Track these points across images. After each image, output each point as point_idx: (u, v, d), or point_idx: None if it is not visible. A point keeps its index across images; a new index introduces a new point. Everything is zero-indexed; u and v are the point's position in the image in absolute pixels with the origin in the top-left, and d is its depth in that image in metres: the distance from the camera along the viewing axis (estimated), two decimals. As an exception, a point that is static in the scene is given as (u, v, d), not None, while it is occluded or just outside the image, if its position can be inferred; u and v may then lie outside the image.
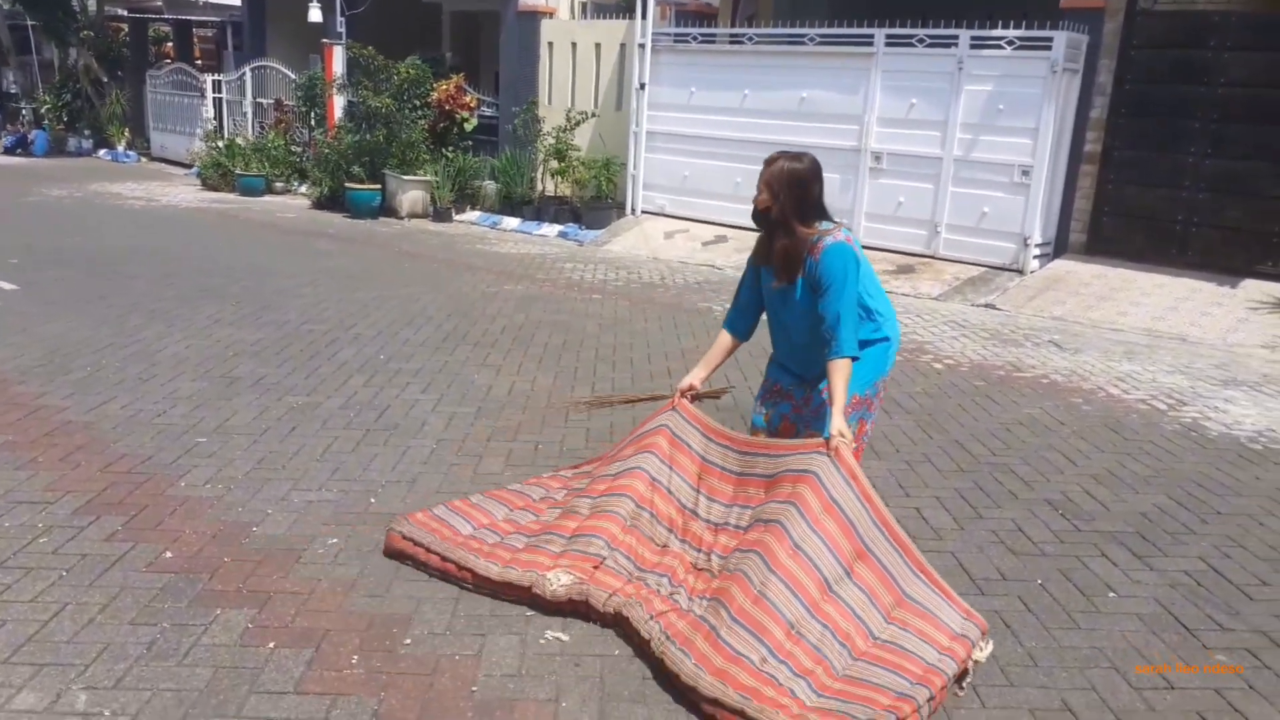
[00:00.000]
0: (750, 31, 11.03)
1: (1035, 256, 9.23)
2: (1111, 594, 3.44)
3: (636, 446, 3.60)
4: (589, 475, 3.73)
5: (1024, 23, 9.02)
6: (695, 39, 11.30)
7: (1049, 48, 8.79)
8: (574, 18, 13.28)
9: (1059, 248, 9.56)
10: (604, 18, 12.79)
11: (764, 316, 3.60)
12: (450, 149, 13.16)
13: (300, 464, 4.29)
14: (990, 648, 2.96)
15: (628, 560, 3.30)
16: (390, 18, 16.06)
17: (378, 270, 8.94)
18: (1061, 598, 3.40)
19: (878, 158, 10.02)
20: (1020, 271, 9.18)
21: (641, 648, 2.95)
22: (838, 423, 3.12)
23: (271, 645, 2.92)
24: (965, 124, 9.39)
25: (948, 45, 9.37)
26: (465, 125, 13.41)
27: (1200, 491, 4.44)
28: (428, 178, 12.70)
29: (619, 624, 3.07)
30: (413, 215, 12.62)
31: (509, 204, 12.71)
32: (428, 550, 3.40)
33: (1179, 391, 6.08)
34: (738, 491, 3.38)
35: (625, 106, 12.08)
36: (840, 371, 3.17)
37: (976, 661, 2.89)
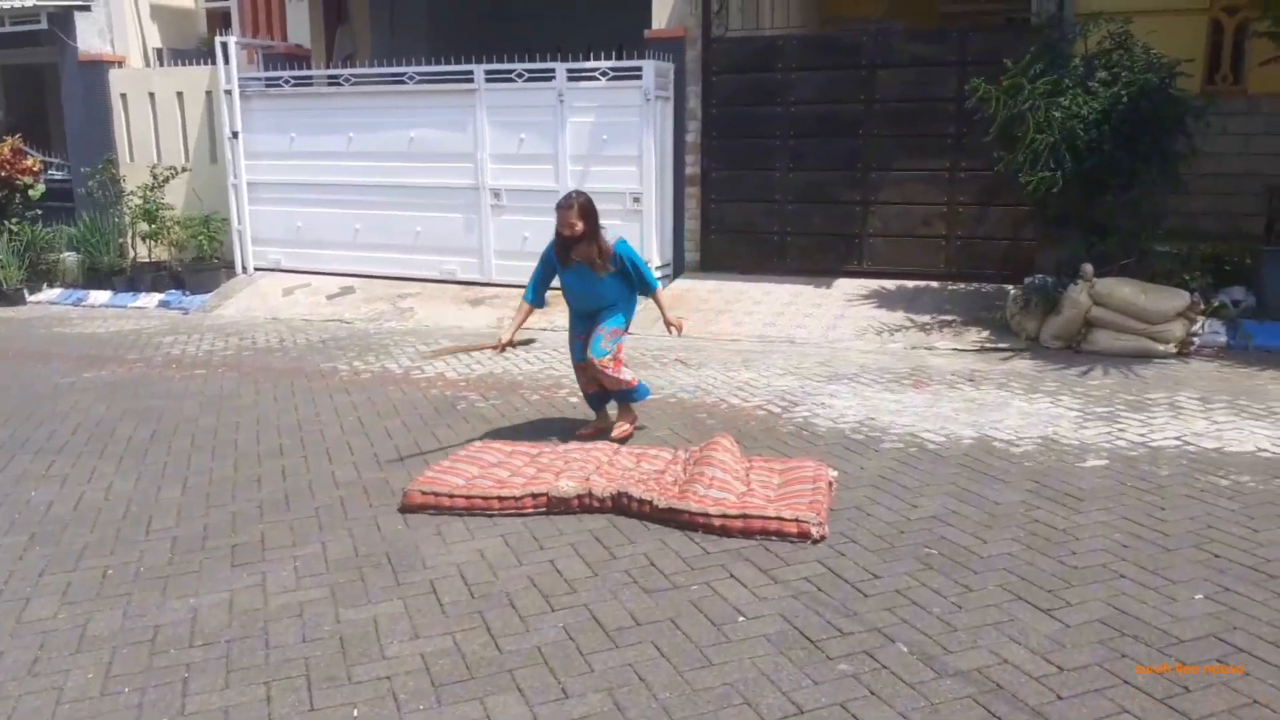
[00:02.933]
0: (347, 72, 10.54)
1: (658, 279, 9.52)
2: (741, 618, 3.39)
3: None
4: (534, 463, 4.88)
5: (618, 54, 9.31)
6: (288, 83, 10.60)
7: (639, 77, 9.13)
8: (149, 65, 12.00)
9: (677, 268, 9.96)
10: (182, 63, 11.66)
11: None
12: (14, 220, 11.37)
13: None
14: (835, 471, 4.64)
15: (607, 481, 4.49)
16: (-80, 74, 13.67)
17: (-86, 375, 7.40)
18: (694, 633, 3.30)
19: (497, 194, 9.91)
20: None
21: (641, 511, 4.23)
22: (672, 316, 5.50)
23: None
24: (574, 155, 9.52)
25: (547, 79, 9.47)
26: (31, 192, 11.66)
27: (815, 491, 4.61)
28: (-13, 256, 10.86)
29: (617, 507, 4.30)
30: (-28, 302, 10.73)
31: (96, 276, 11.22)
32: (450, 497, 4.38)
33: (791, 393, 6.42)
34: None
35: (220, 158, 11.09)
36: (659, 295, 5.47)
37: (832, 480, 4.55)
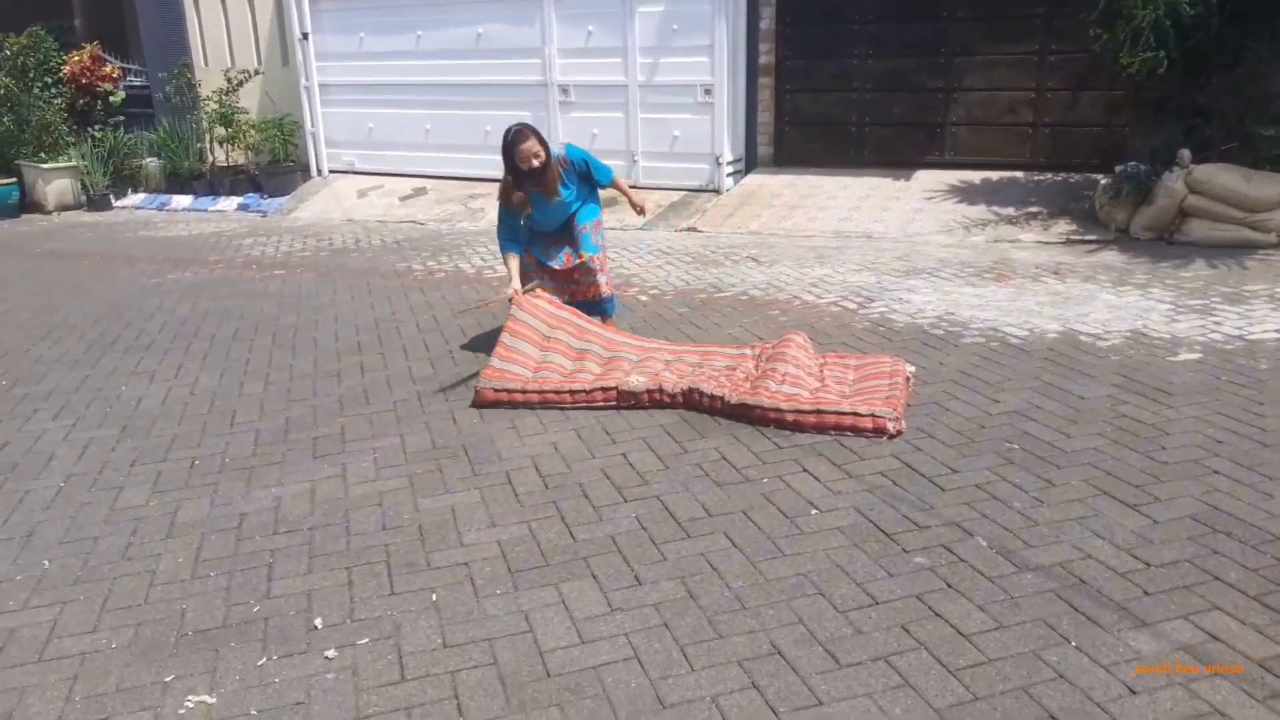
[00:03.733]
0: (413, -33, 10.31)
1: (729, 174, 9.31)
2: (814, 511, 3.36)
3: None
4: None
5: (685, -62, 8.93)
6: (355, -20, 10.44)
7: (712, -39, 8.76)
8: (218, -34, 11.94)
9: (749, 163, 9.70)
10: (251, -37, 11.57)
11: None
12: (97, 128, 11.58)
13: (-122, 539, 3.46)
14: (912, 367, 4.60)
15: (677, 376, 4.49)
16: (-2, -17, 13.82)
17: (10, 279, 7.67)
18: (766, 524, 3.28)
19: (565, 90, 9.72)
20: (717, 191, 9.24)
21: (712, 406, 4.20)
22: (636, 197, 5.51)
23: None
24: (644, 48, 9.25)
25: (615, -33, 9.15)
26: (112, 99, 11.84)
27: (891, 386, 4.51)
28: (74, 163, 11.13)
29: (688, 403, 4.29)
30: (63, 208, 11.04)
31: (178, 181, 11.42)
32: (523, 392, 4.43)
33: (867, 289, 6.26)
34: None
35: (292, 60, 11.05)
36: (618, 181, 5.41)
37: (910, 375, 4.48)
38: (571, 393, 4.40)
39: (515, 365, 4.62)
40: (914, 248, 7.32)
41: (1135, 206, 7.18)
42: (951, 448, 3.83)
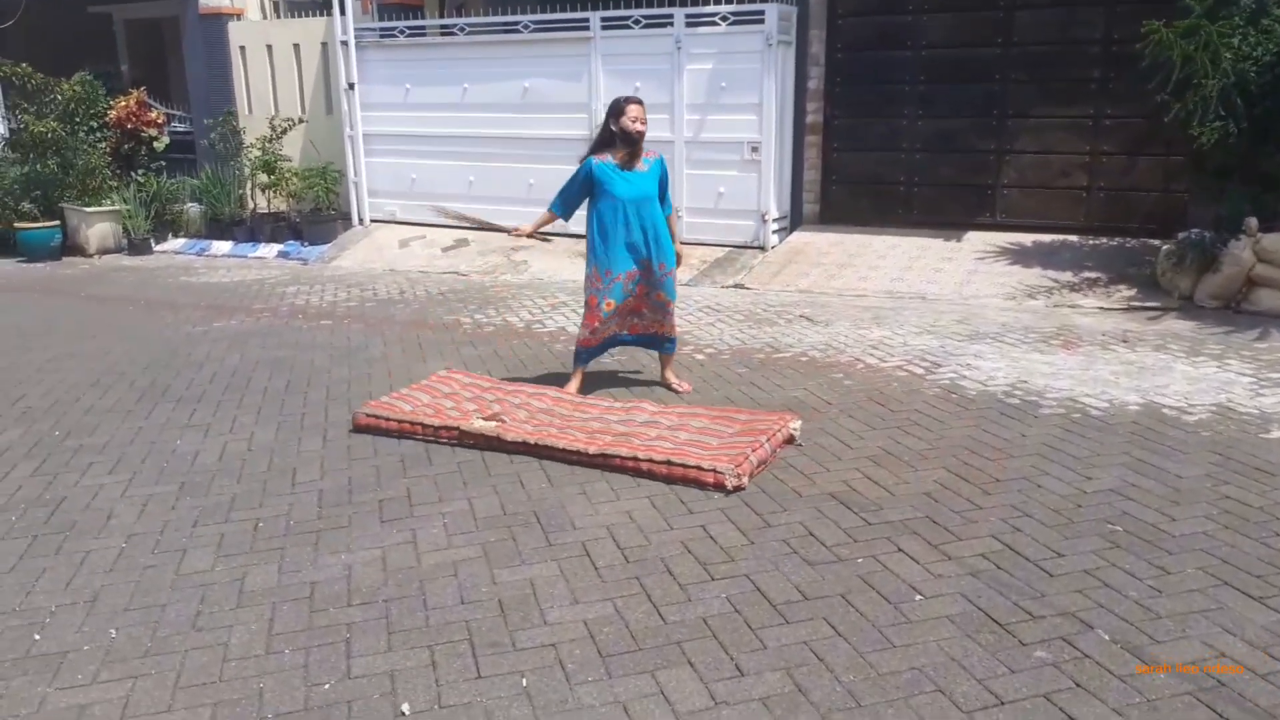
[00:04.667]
0: (461, 22, 10.39)
1: (775, 231, 9.24)
2: (919, 596, 3.19)
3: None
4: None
5: (735, -2, 8.98)
6: (403, 33, 10.52)
7: (761, 21, 8.76)
8: (265, 17, 12.09)
9: (795, 220, 9.63)
10: (299, 16, 11.71)
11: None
12: (141, 172, 11.64)
13: (-65, 600, 3.32)
14: (799, 421, 4.66)
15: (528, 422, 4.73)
16: (48, 31, 14.04)
17: (57, 322, 7.61)
18: (869, 611, 3.10)
19: (610, 144, 9.68)
20: (762, 248, 9.15)
21: (568, 458, 4.34)
22: (679, 245, 5.50)
23: None
24: (691, 104, 9.23)
25: (664, 25, 9.17)
26: (156, 144, 11.92)
27: (975, 459, 4.35)
28: (116, 207, 11.17)
29: (537, 453, 4.42)
30: (104, 251, 11.06)
31: (218, 227, 11.43)
32: (388, 420, 4.78)
33: (931, 352, 6.11)
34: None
35: (336, 109, 11.12)
36: (674, 220, 5.42)
37: (794, 433, 4.56)
38: (423, 425, 4.67)
39: (400, 402, 5.02)
40: (971, 311, 7.18)
41: (1199, 274, 7.04)
42: (1051, 528, 3.65)
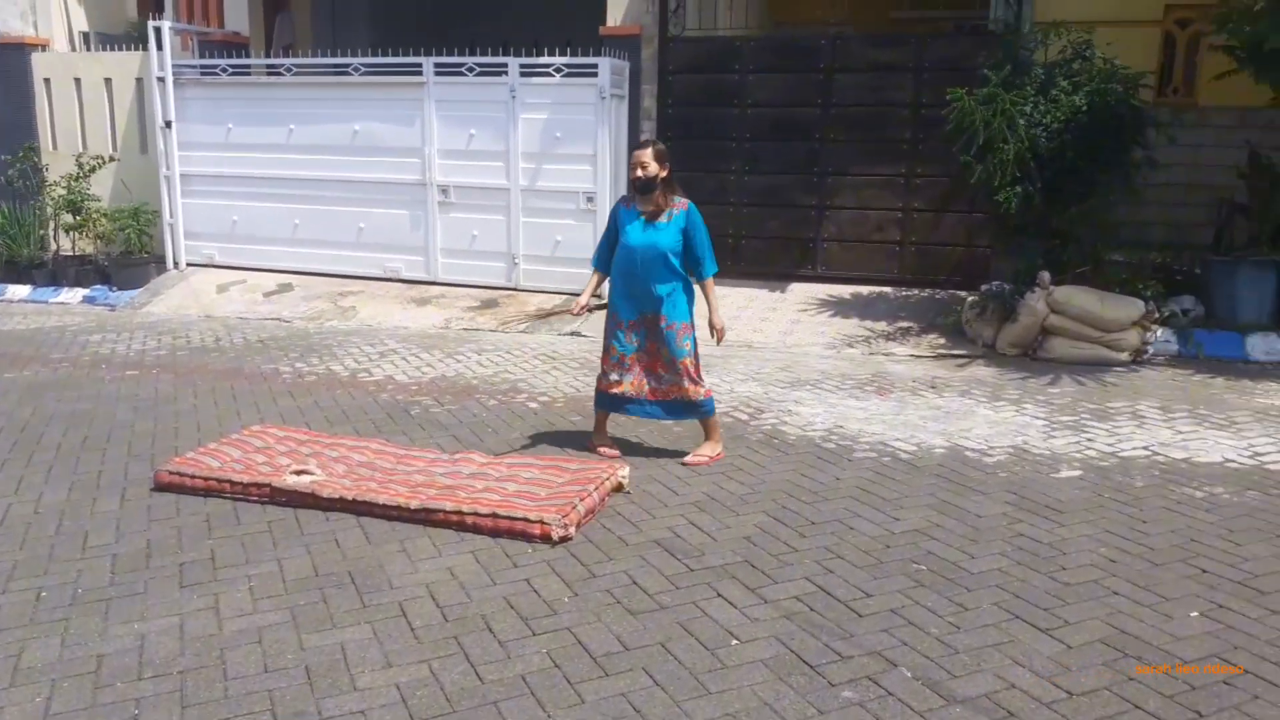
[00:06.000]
0: (288, 62, 10.12)
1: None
2: (734, 641, 3.23)
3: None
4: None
5: (570, 51, 9.11)
6: (225, 71, 10.14)
7: (594, 74, 8.92)
8: (74, 49, 11.42)
9: (630, 268, 9.75)
10: (110, 48, 11.12)
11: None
12: (-75, 212, 10.69)
13: None
14: (627, 468, 4.67)
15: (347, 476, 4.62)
16: None
17: None
18: (687, 658, 3.12)
19: (445, 191, 9.61)
20: (600, 297, 9.21)
21: (387, 514, 4.24)
22: (717, 319, 5.06)
23: None
24: (526, 153, 9.27)
25: (499, 74, 9.20)
26: (-56, 182, 10.99)
27: (793, 503, 4.48)
28: (-106, 246, 10.20)
29: (346, 506, 4.29)
30: (-122, 294, 10.05)
31: (15, 269, 10.57)
32: (193, 478, 4.53)
33: (755, 399, 6.29)
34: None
35: (152, 148, 10.57)
36: (710, 286, 5.05)
37: (622, 481, 4.57)
38: (232, 484, 4.47)
39: (208, 458, 4.79)
40: (795, 359, 7.45)
41: (1000, 323, 7.55)
42: (861, 569, 3.79)
